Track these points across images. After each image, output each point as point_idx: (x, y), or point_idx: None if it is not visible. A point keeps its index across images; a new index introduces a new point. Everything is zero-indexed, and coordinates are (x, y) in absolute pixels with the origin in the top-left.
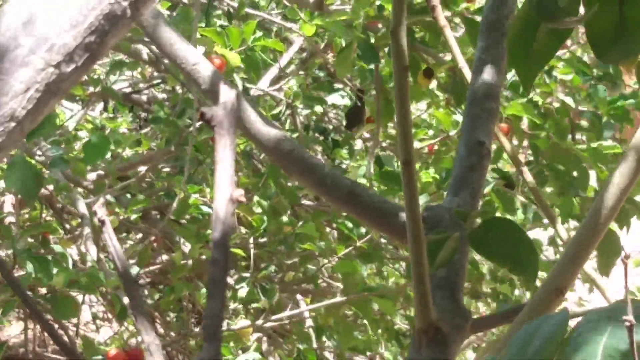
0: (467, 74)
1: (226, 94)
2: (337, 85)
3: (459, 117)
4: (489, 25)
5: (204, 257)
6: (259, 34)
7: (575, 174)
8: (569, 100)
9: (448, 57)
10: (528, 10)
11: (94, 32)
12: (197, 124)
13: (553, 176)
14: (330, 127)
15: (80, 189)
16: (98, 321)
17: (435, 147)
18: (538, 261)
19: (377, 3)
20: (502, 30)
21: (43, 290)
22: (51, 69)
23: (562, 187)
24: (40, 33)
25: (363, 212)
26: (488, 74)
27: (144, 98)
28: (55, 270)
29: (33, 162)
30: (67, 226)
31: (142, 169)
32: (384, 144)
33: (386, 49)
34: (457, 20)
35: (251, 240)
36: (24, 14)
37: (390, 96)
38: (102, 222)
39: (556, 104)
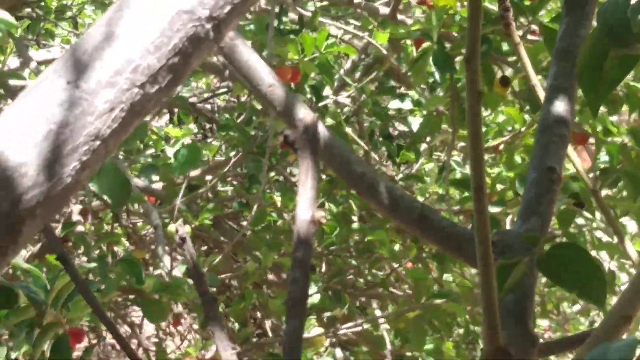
0: (540, 92)
1: (308, 117)
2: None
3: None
4: (561, 52)
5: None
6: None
7: None
8: None
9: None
10: (599, 36)
11: (178, 54)
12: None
13: (628, 181)
14: (396, 132)
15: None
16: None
17: (501, 147)
18: (606, 287)
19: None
20: (574, 57)
21: None
22: (136, 89)
23: (637, 192)
24: (126, 55)
25: (433, 235)
26: (559, 100)
27: (208, 107)
28: None
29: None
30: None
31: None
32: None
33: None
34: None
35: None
36: (109, 37)
37: (464, 104)
38: (183, 240)
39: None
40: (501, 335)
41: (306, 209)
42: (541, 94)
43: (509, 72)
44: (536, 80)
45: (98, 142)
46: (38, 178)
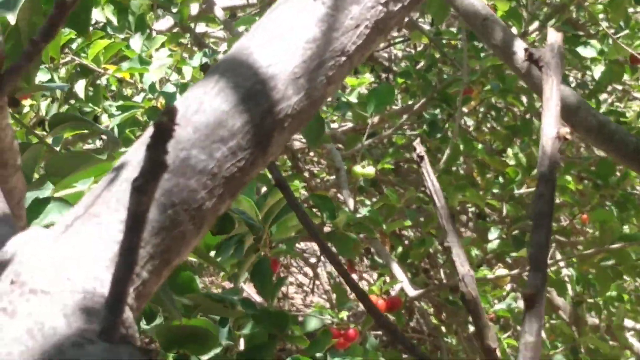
0: None
1: (552, 37)
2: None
3: None
4: None
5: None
6: None
7: None
8: None
9: None
10: None
11: None
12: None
13: None
14: (573, 83)
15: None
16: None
17: None
18: None
19: None
20: None
21: None
22: (380, 7)
23: None
24: None
25: None
26: None
27: (385, 56)
28: None
29: None
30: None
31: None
32: None
33: None
34: None
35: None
36: None
37: None
38: (421, 158)
39: None
40: None
41: (552, 125)
42: None
43: None
44: None
45: (343, 58)
46: (286, 91)
